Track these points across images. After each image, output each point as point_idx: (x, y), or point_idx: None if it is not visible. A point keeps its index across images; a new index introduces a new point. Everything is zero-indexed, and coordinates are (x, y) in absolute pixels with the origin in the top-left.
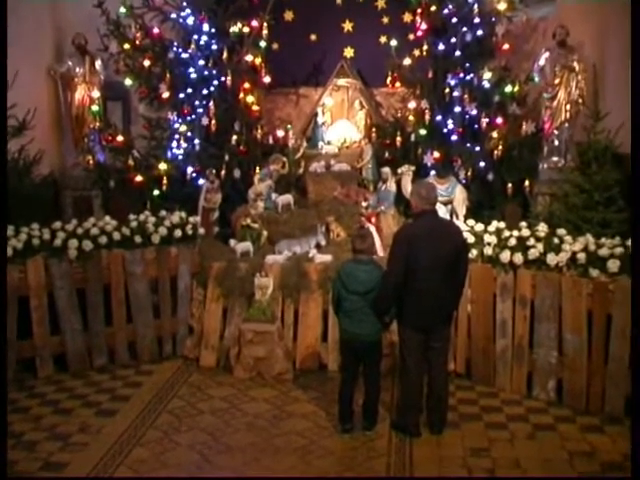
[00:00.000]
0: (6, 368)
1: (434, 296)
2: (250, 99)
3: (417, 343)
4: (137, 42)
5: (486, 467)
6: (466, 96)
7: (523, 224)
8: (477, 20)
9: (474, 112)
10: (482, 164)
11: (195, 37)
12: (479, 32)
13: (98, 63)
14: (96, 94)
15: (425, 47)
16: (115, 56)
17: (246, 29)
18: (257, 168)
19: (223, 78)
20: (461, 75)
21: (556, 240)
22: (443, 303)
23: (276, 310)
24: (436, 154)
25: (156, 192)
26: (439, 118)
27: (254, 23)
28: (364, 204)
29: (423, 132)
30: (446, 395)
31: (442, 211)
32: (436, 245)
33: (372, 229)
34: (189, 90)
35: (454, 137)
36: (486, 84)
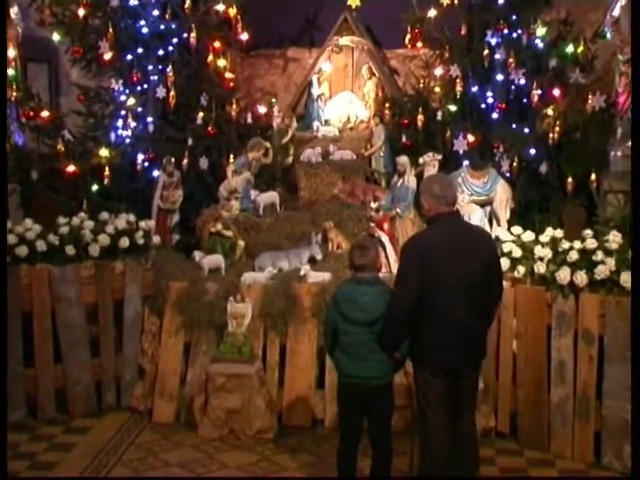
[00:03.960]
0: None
1: (460, 326)
2: (222, 63)
3: (439, 390)
4: None
5: None
6: (511, 60)
7: (588, 232)
8: None
9: (522, 81)
10: (532, 151)
11: None
12: None
13: (14, 11)
14: (12, 53)
15: None
16: (38, 2)
17: None
18: (231, 156)
19: (185, 35)
20: (505, 31)
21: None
22: (473, 335)
23: (256, 346)
24: (470, 138)
25: (95, 187)
26: (475, 90)
27: None
28: (374, 205)
29: (453, 108)
30: (477, 458)
31: (478, 215)
32: (460, 258)
33: (384, 238)
34: (139, 50)
35: (495, 115)
36: (539, 43)
